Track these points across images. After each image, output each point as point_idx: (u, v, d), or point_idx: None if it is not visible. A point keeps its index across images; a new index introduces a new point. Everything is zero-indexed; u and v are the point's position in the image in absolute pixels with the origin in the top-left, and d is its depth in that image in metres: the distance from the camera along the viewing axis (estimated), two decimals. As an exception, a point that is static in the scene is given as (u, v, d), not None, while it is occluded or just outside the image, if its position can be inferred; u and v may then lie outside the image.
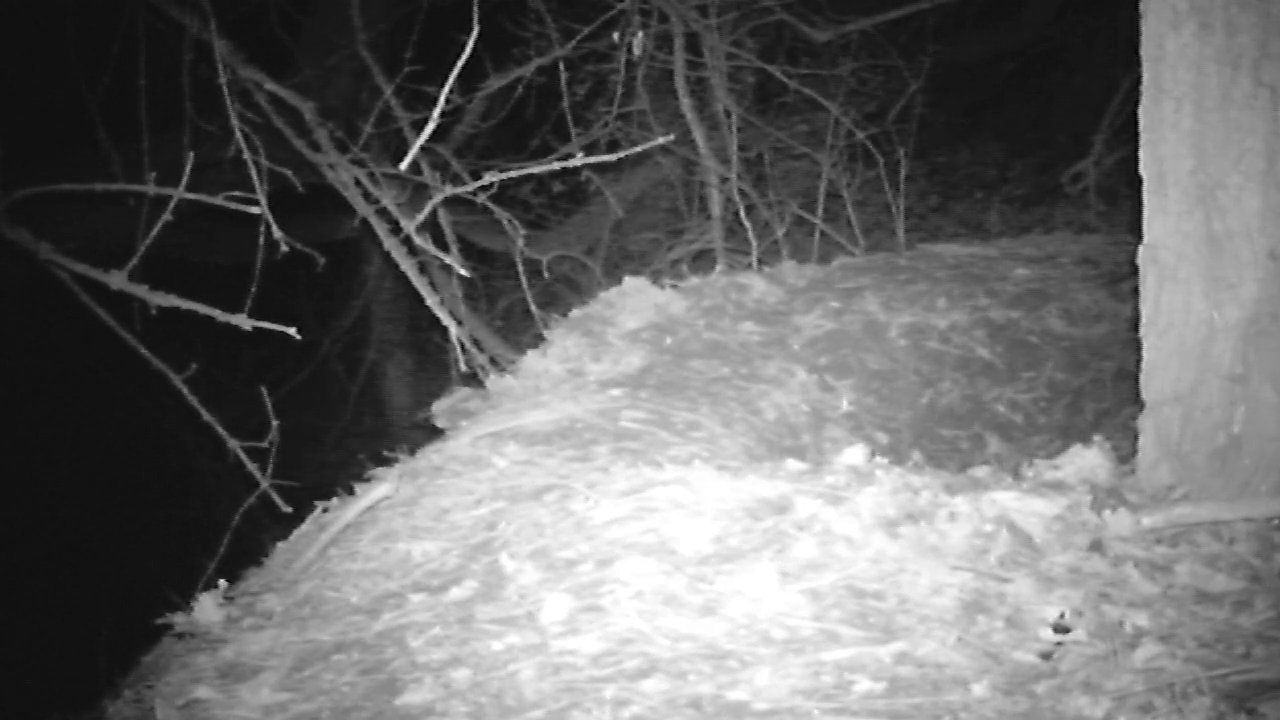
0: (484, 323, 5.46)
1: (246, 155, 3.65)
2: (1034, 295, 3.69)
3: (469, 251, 5.00)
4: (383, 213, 4.02)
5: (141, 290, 3.28)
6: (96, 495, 5.52)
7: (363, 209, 4.04)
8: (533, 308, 4.51)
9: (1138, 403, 2.46)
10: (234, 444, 3.62)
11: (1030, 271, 3.86)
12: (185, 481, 5.69)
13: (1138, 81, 2.33)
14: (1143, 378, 2.43)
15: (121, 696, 2.11)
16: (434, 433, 3.13)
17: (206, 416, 3.61)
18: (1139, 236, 2.39)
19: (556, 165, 3.68)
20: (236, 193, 3.34)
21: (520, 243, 4.37)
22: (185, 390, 3.59)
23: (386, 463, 2.83)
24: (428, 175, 4.12)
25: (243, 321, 3.27)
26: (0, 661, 4.43)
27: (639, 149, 3.78)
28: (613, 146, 4.67)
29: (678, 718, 1.75)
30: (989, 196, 6.90)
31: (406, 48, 4.80)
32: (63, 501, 5.44)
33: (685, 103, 4.84)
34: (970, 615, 1.94)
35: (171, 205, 3.24)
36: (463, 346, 3.84)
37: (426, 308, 3.91)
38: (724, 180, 4.94)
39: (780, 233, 5.00)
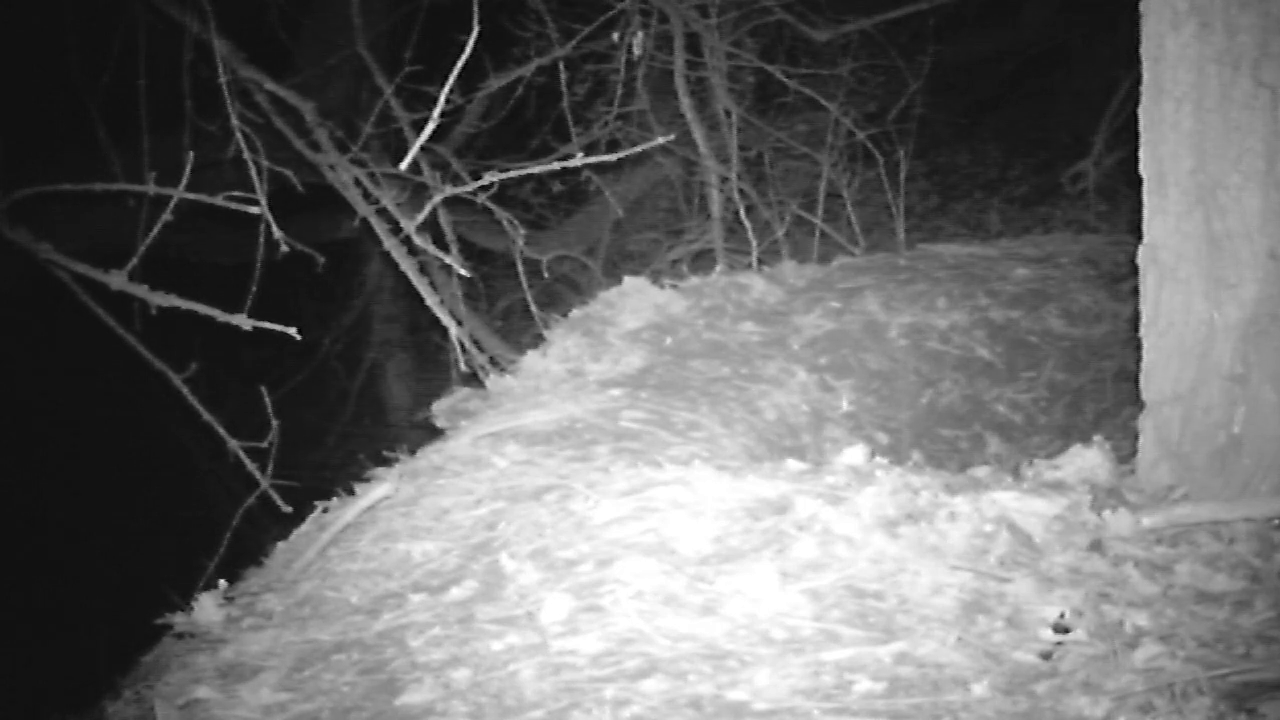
0: (484, 323, 5.46)
1: (246, 155, 3.64)
2: (1034, 295, 3.69)
3: (469, 251, 5.00)
4: (383, 213, 4.02)
5: (141, 290, 3.28)
6: (97, 496, 5.52)
7: (363, 209, 4.04)
8: (533, 308, 4.51)
9: (1138, 403, 2.46)
10: (234, 444, 3.62)
11: (1030, 271, 3.86)
12: (185, 481, 5.70)
13: (1138, 81, 2.34)
14: (1143, 378, 2.44)
15: (121, 696, 2.11)
16: (434, 433, 3.13)
17: (206, 416, 3.61)
18: (1139, 236, 2.39)
19: (556, 165, 3.68)
20: (236, 193, 3.34)
21: (520, 243, 4.38)
22: (185, 390, 3.59)
23: (386, 463, 2.84)
24: (428, 175, 4.11)
25: (243, 321, 3.26)
26: (0, 661, 4.43)
27: (639, 149, 3.78)
28: (613, 146, 4.66)
29: (678, 718, 1.75)
30: (989, 196, 6.90)
31: (406, 48, 4.81)
32: (63, 501, 5.44)
33: (685, 103, 4.84)
34: (970, 615, 1.94)
35: (171, 205, 3.24)
36: (463, 346, 3.83)
37: (426, 308, 3.91)
38: (724, 180, 4.94)
39: (780, 233, 5.01)
